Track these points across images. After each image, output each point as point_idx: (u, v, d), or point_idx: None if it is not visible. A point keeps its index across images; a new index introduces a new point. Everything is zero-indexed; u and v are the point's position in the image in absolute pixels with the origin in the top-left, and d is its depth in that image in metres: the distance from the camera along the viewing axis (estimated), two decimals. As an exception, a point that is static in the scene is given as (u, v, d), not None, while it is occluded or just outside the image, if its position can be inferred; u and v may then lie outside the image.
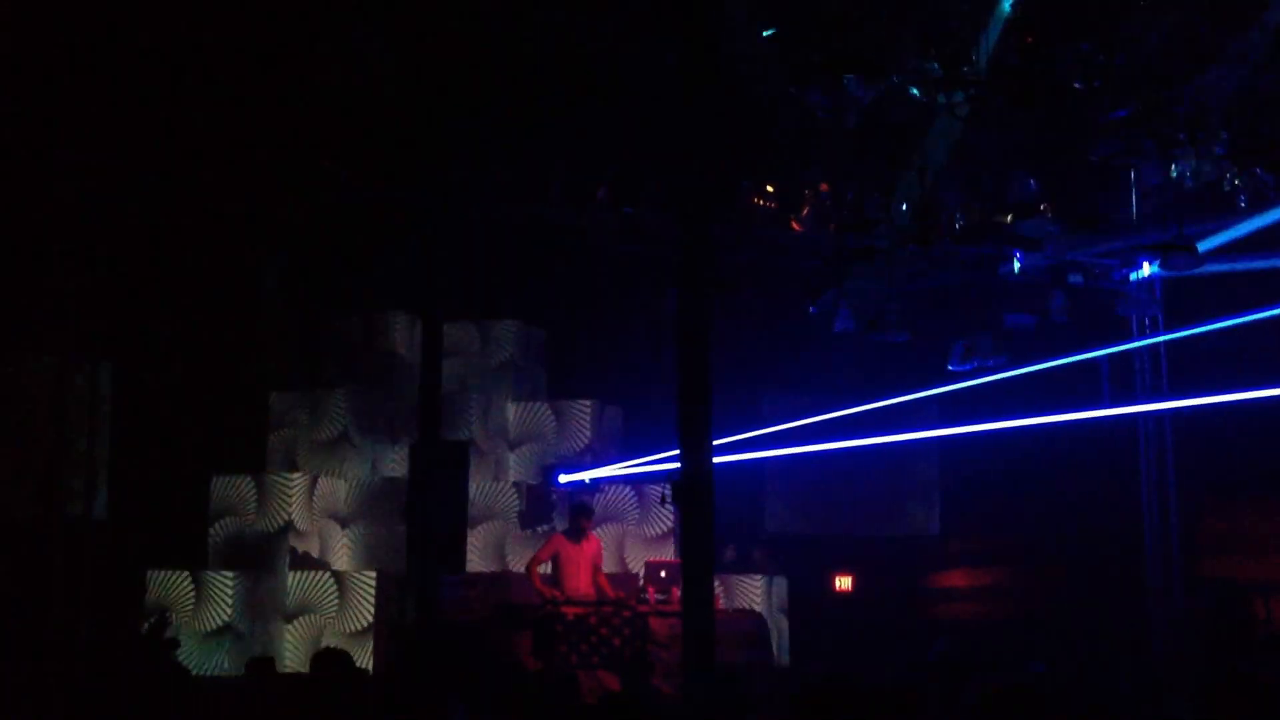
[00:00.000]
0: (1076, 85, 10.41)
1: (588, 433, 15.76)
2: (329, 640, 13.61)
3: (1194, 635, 14.71)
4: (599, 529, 14.57)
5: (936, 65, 10.36)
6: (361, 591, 14.08)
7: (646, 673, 11.25)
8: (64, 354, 11.89)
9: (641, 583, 13.84)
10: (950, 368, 14.41)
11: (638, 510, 15.22)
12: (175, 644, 11.23)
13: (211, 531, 14.71)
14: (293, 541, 14.57)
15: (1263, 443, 15.03)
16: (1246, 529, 15.98)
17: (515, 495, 15.29)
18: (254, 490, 14.72)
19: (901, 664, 11.34)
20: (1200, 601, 15.14)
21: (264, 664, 10.02)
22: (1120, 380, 16.16)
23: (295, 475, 14.84)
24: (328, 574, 14.45)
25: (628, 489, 15.21)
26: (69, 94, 11.78)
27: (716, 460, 9.82)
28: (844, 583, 17.26)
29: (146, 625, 13.11)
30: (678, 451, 10.01)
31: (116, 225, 12.78)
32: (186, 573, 14.30)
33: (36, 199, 12.35)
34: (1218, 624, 14.11)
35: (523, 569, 14.13)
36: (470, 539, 14.49)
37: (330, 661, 7.71)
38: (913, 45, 10.28)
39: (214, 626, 13.99)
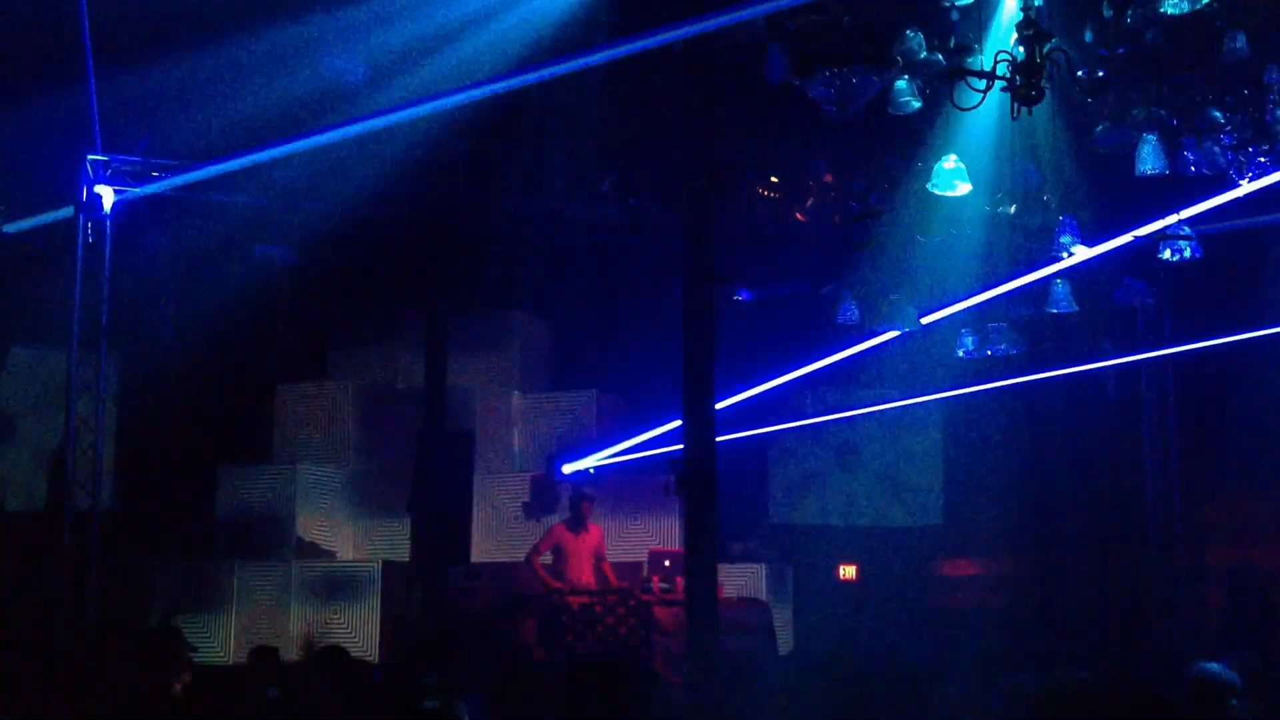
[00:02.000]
0: (1080, 75, 10.42)
1: (593, 423, 15.79)
2: (334, 630, 13.67)
3: (1210, 626, 14.74)
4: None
5: (941, 57, 10.37)
6: (367, 582, 14.12)
7: (644, 651, 11.26)
8: (71, 345, 11.93)
9: (646, 572, 13.88)
10: (960, 355, 14.42)
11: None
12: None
13: (218, 521, 14.77)
14: (298, 531, 14.63)
15: (1267, 434, 15.06)
16: (1250, 517, 15.99)
17: (520, 485, 15.34)
18: (260, 481, 14.77)
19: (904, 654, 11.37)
20: (1218, 591, 15.15)
21: (267, 653, 10.06)
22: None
23: (301, 466, 14.89)
24: (333, 564, 14.50)
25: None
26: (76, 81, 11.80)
27: (722, 439, 9.85)
28: (848, 571, 17.27)
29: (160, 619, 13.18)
30: (680, 443, 10.07)
31: (125, 217, 12.80)
32: (193, 563, 14.36)
33: (49, 189, 12.37)
34: (1234, 613, 14.11)
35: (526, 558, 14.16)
36: (474, 529, 14.53)
37: (329, 659, 7.73)
38: (917, 36, 10.28)
39: (219, 616, 14.04)
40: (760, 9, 9.72)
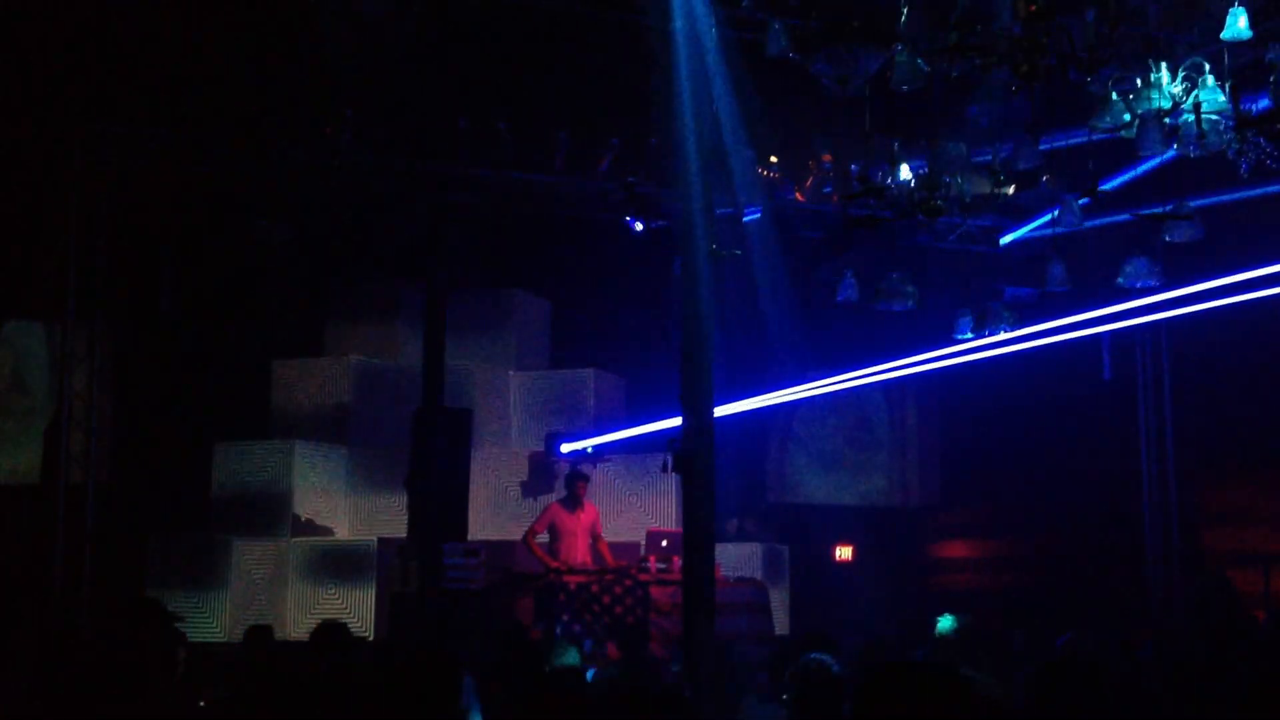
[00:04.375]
0: (1081, 55, 10.37)
1: (590, 402, 15.76)
2: (330, 608, 13.65)
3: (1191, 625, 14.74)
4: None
5: (942, 34, 10.32)
6: (363, 559, 14.10)
7: (643, 641, 11.28)
8: (66, 318, 11.90)
9: (643, 551, 13.88)
10: (956, 337, 14.40)
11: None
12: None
13: (214, 497, 14.73)
14: (294, 508, 14.60)
15: (1263, 417, 15.05)
16: (1245, 501, 16.01)
17: (518, 463, 15.31)
18: (257, 456, 14.74)
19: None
20: (1194, 591, 15.16)
21: (262, 631, 10.04)
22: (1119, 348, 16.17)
23: (298, 442, 14.85)
24: (329, 541, 14.48)
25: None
26: (73, 55, 11.77)
27: (720, 413, 9.83)
28: (844, 552, 17.29)
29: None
30: (679, 420, 10.04)
31: (121, 191, 12.78)
32: (188, 538, 14.33)
33: (43, 162, 12.35)
34: (1211, 615, 14.10)
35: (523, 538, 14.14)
36: (472, 507, 14.50)
37: (329, 634, 7.70)
38: (918, 14, 10.23)
39: (215, 593, 14.02)
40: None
